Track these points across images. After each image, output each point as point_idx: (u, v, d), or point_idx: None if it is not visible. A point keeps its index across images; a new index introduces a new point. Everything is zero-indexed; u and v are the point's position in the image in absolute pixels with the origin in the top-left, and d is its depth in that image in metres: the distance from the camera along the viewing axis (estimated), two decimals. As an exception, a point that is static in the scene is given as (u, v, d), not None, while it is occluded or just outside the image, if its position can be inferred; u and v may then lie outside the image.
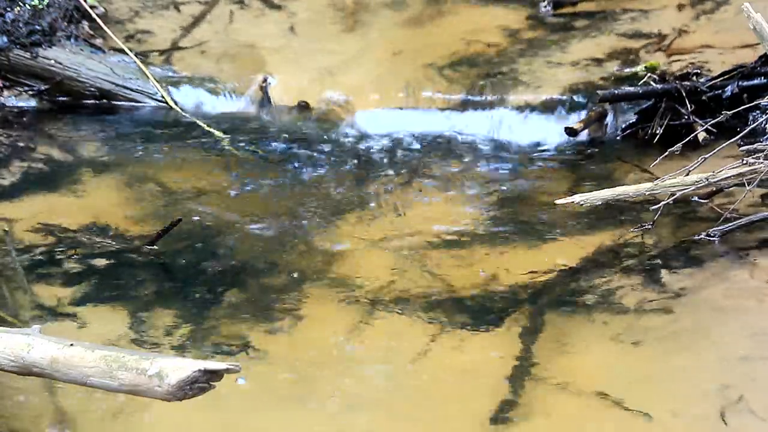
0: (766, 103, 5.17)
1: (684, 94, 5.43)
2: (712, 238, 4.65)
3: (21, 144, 5.87)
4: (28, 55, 6.17)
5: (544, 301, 4.44)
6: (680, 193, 4.68)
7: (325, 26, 6.47)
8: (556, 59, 6.03)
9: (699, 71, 5.62)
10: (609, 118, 5.73)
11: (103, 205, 5.29)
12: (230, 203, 5.32)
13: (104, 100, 6.21)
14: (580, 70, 5.93)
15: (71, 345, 3.45)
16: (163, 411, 3.65)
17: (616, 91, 5.62)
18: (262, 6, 6.59)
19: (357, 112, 6.00)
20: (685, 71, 5.65)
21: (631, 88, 5.60)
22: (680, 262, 4.57)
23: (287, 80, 6.19)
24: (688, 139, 4.96)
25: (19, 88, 6.21)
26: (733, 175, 4.64)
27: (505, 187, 5.40)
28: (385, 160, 5.72)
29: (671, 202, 4.70)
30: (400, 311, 4.44)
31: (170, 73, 6.28)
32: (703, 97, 5.45)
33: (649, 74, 5.65)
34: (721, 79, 5.50)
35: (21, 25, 6.21)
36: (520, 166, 5.60)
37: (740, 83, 5.44)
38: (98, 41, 6.35)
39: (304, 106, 6.09)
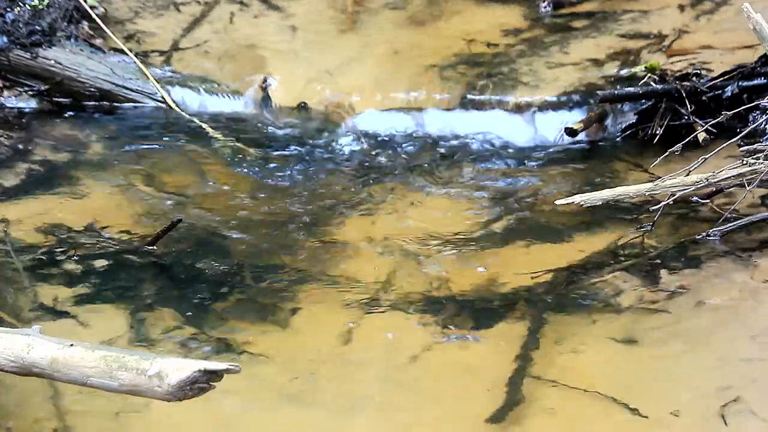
0: (766, 104, 5.17)
1: (684, 95, 5.43)
2: (712, 239, 4.65)
3: (21, 144, 5.86)
4: (28, 55, 6.17)
5: (544, 301, 4.43)
6: (680, 193, 4.68)
7: (325, 26, 6.46)
8: (556, 59, 6.02)
9: (699, 71, 5.62)
10: (609, 119, 5.73)
11: (102, 205, 5.29)
12: (230, 203, 5.32)
13: (104, 101, 6.20)
14: (580, 70, 5.93)
15: (71, 345, 3.45)
16: (162, 410, 3.65)
17: (616, 92, 5.62)
18: (262, 6, 6.59)
19: (357, 112, 6.00)
20: (685, 71, 5.65)
21: (632, 89, 5.60)
22: (680, 263, 4.56)
23: (287, 80, 6.18)
24: (688, 139, 4.96)
25: (19, 89, 6.21)
26: (733, 176, 4.64)
27: (505, 188, 5.40)
28: (385, 161, 5.72)
29: (671, 202, 4.70)
30: (399, 311, 4.44)
31: (170, 74, 6.28)
32: (703, 98, 5.45)
33: (649, 74, 5.64)
34: (721, 79, 5.50)
35: (21, 25, 6.21)
36: (520, 166, 5.60)
37: (740, 83, 5.44)
38: (98, 41, 6.35)
39: (304, 107, 6.09)
